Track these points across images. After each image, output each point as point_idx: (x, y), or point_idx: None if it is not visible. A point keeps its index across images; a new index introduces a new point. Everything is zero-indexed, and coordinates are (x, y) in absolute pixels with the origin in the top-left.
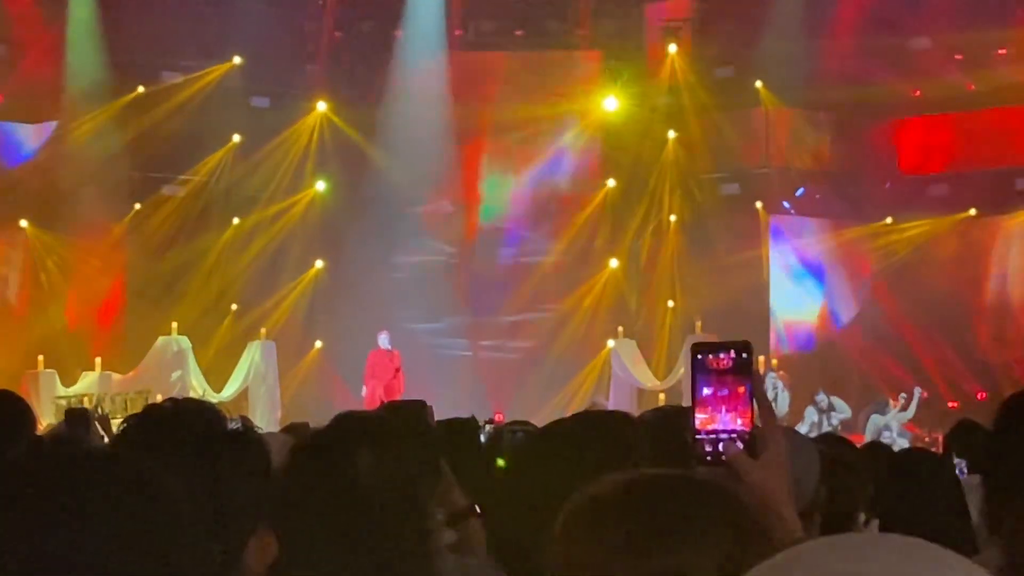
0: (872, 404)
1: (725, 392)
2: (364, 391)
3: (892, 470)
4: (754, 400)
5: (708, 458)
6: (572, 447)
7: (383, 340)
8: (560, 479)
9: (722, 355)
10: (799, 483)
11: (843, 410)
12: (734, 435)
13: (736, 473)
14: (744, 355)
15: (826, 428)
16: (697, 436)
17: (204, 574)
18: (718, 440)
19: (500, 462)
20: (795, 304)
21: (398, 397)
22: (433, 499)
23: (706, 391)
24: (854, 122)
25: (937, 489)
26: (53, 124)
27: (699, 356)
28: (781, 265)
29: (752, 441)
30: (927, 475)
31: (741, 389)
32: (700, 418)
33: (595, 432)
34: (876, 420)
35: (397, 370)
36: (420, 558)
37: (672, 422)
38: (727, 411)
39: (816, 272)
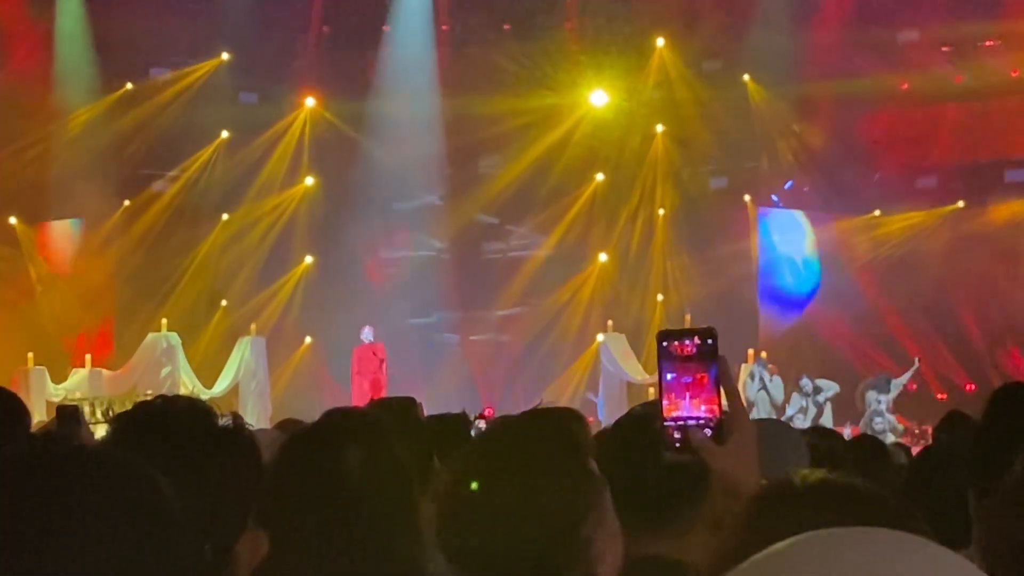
0: (870, 379)
1: (689, 379)
2: (352, 387)
3: (880, 461)
4: (720, 386)
5: (677, 444)
6: (521, 444)
7: (366, 334)
8: (508, 476)
9: (686, 342)
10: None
11: (830, 388)
12: (700, 422)
13: (703, 460)
14: (709, 341)
15: (813, 411)
16: (665, 423)
17: (195, 571)
18: (686, 427)
19: (474, 485)
20: (783, 296)
21: (384, 390)
22: (424, 495)
23: (670, 377)
24: (842, 115)
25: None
26: None
27: (664, 343)
28: (769, 257)
29: (719, 427)
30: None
31: (704, 376)
32: (666, 405)
33: (544, 430)
34: (872, 396)
35: (381, 362)
36: (411, 553)
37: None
38: (691, 398)
39: (804, 264)
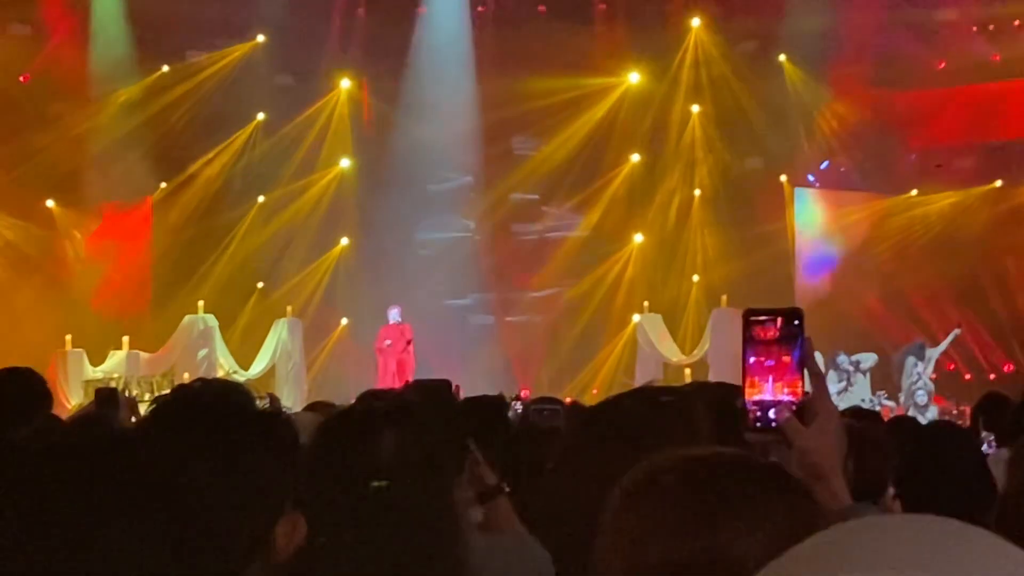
0: (908, 346)
1: (772, 362)
2: (377, 367)
3: (918, 444)
4: (804, 368)
5: (757, 424)
6: (632, 427)
7: (393, 315)
8: (619, 459)
9: (768, 324)
10: None
11: (868, 358)
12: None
13: (787, 440)
14: (795, 322)
15: (853, 386)
16: (747, 404)
17: (231, 555)
18: (768, 407)
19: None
20: (819, 276)
21: (409, 371)
22: (461, 477)
23: (752, 360)
24: (878, 94)
25: (962, 463)
26: None
27: (748, 325)
28: (805, 237)
29: (802, 409)
30: (952, 449)
31: (787, 359)
32: (748, 387)
33: (658, 412)
34: (910, 363)
35: (408, 343)
36: (447, 535)
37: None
38: (774, 380)
39: (840, 244)
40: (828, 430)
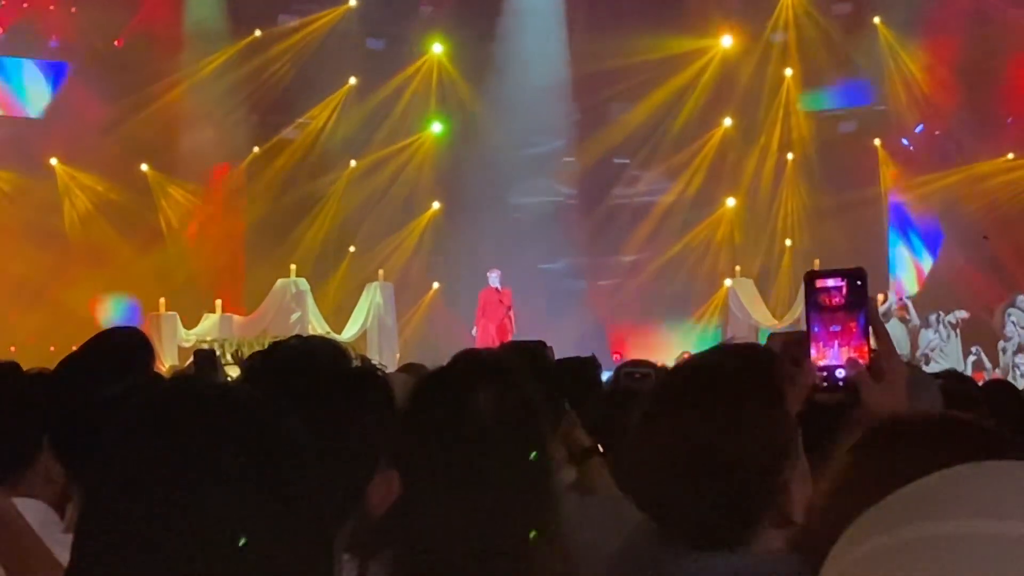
0: (1006, 302)
1: (838, 327)
2: (475, 330)
3: (1016, 405)
4: (870, 330)
5: (824, 384)
6: (718, 383)
7: (493, 279)
8: (705, 418)
9: (833, 292)
10: None
11: (957, 314)
12: (847, 379)
13: (855, 399)
14: (858, 283)
15: (948, 344)
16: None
17: (326, 511)
18: (835, 370)
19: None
20: (913, 241)
21: (510, 336)
22: (555, 437)
23: (816, 328)
24: (974, 58)
25: None
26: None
27: (811, 289)
28: (899, 202)
29: (871, 368)
30: None
31: (853, 324)
32: (814, 353)
33: (740, 368)
34: (1010, 316)
35: (508, 308)
36: (541, 495)
37: None
38: (840, 346)
39: (934, 210)
40: (896, 387)
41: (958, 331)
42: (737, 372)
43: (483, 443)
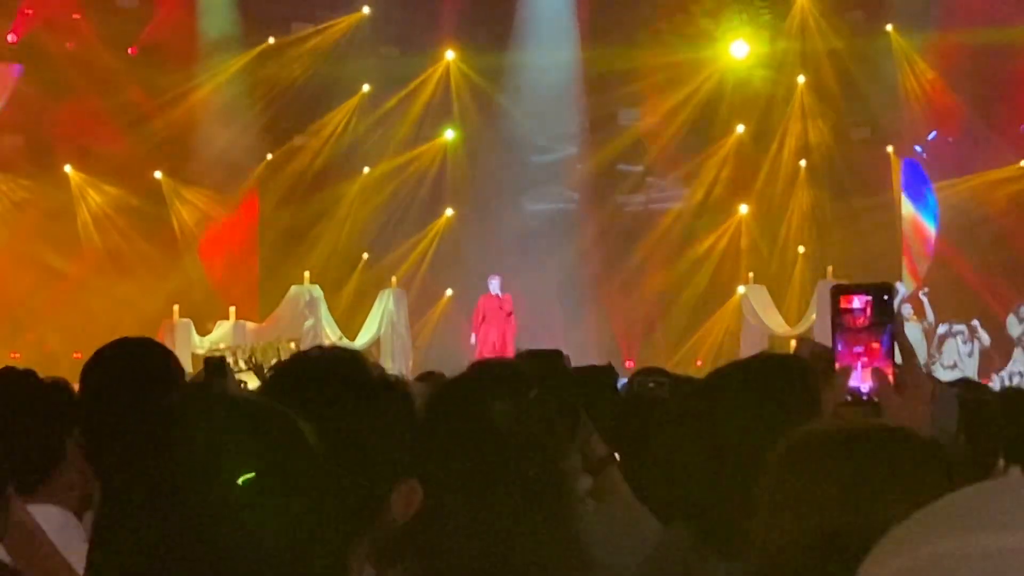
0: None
1: (862, 346)
2: (473, 338)
3: None
4: (895, 348)
5: (849, 397)
6: (755, 389)
7: (493, 285)
8: (740, 421)
9: (858, 313)
10: (940, 431)
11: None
12: (871, 395)
13: (879, 412)
14: (885, 297)
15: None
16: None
17: (349, 521)
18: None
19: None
20: (925, 248)
21: (511, 343)
22: (572, 446)
23: (841, 347)
24: (987, 64)
25: None
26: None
27: (837, 306)
28: (913, 209)
29: (896, 383)
30: None
31: (878, 341)
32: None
33: (778, 374)
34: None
35: (509, 315)
36: (558, 503)
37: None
38: (865, 362)
39: (947, 215)
40: (919, 402)
41: (976, 340)
42: (777, 378)
43: (499, 453)
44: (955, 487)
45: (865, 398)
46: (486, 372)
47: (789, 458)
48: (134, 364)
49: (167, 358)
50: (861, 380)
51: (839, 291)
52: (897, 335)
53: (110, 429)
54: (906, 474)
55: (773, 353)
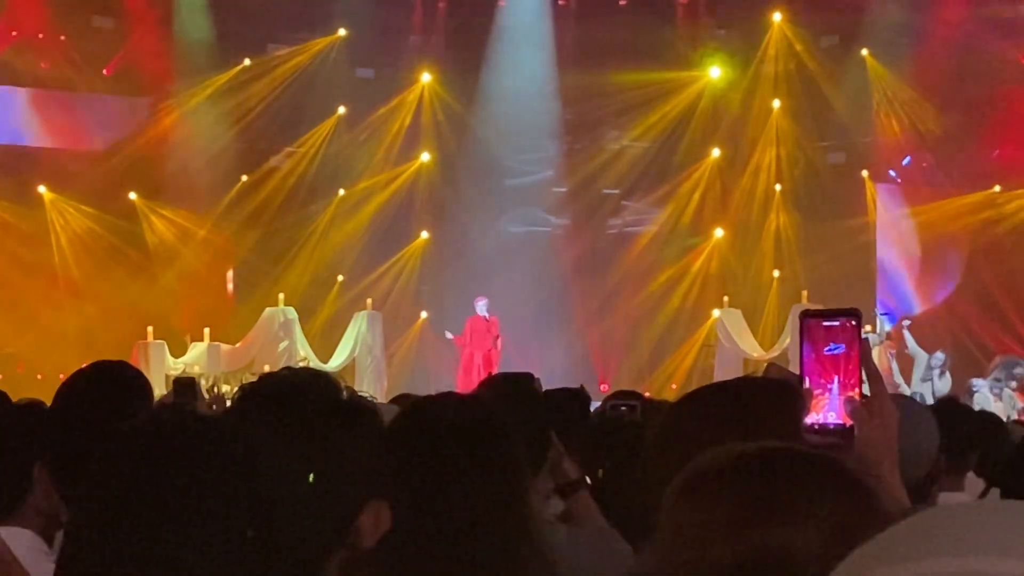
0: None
1: (828, 374)
2: (460, 353)
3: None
4: (863, 373)
5: (815, 427)
6: (732, 407)
7: (481, 307)
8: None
9: (827, 331)
10: (920, 452)
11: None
12: (839, 426)
13: (847, 442)
14: (852, 323)
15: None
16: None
17: (316, 542)
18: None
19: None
20: (902, 273)
21: (496, 365)
22: (543, 470)
23: (809, 368)
24: (962, 90)
25: None
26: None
27: (804, 328)
28: (888, 234)
29: (863, 409)
30: None
31: (846, 366)
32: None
33: (757, 396)
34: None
35: (496, 338)
36: (520, 529)
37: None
38: (832, 387)
39: (921, 241)
40: (887, 428)
41: (947, 371)
42: (756, 401)
43: (456, 474)
44: (875, 516)
45: (832, 427)
46: (442, 397)
47: (684, 489)
48: (101, 387)
49: (137, 380)
50: (829, 407)
51: (807, 316)
52: (864, 360)
53: (76, 451)
54: (802, 494)
55: (754, 376)
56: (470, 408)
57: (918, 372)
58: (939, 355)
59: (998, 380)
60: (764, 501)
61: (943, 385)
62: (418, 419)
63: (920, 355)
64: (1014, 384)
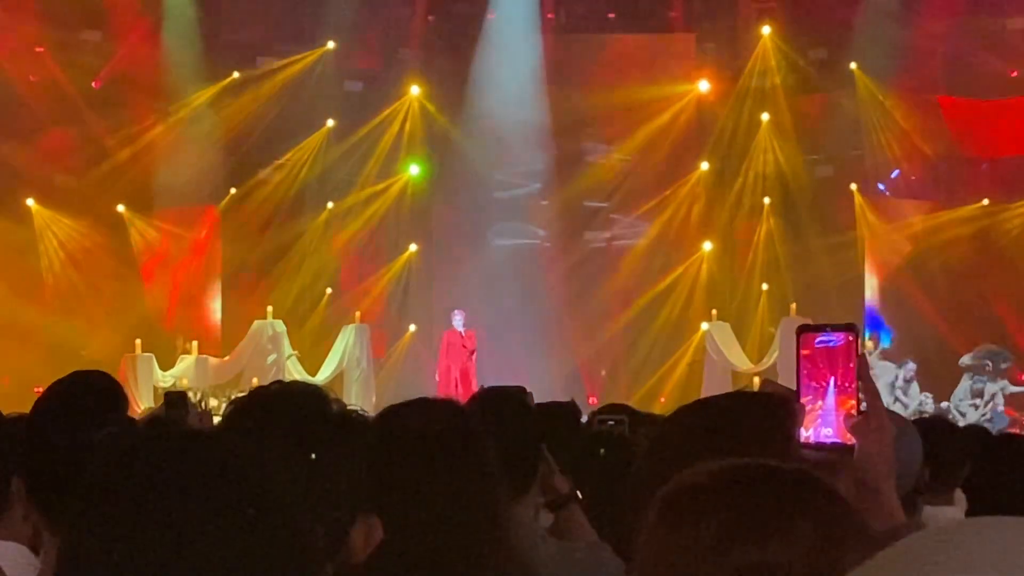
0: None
1: (825, 389)
2: (437, 374)
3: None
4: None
5: (814, 444)
6: (723, 422)
7: (456, 321)
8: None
9: (823, 346)
10: (904, 465)
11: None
12: (836, 443)
13: (842, 458)
14: (850, 338)
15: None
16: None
17: (308, 556)
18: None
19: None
20: (890, 287)
21: (473, 380)
22: (534, 484)
23: (805, 388)
24: (950, 103)
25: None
26: None
27: (801, 344)
28: (876, 248)
29: (861, 424)
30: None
31: (843, 381)
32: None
33: (748, 410)
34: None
35: (472, 352)
36: (492, 535)
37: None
38: (829, 402)
39: (909, 254)
40: (884, 444)
41: (914, 382)
42: (748, 416)
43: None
44: (856, 532)
45: (829, 443)
46: (433, 413)
47: (663, 510)
48: (76, 397)
49: (112, 389)
50: (823, 422)
51: (804, 331)
52: (861, 374)
53: (51, 462)
54: (787, 518)
55: (749, 391)
56: (440, 412)
57: (885, 381)
58: (910, 364)
59: (985, 365)
60: (744, 521)
61: (912, 396)
62: (388, 424)
63: (886, 367)
64: (1001, 382)
